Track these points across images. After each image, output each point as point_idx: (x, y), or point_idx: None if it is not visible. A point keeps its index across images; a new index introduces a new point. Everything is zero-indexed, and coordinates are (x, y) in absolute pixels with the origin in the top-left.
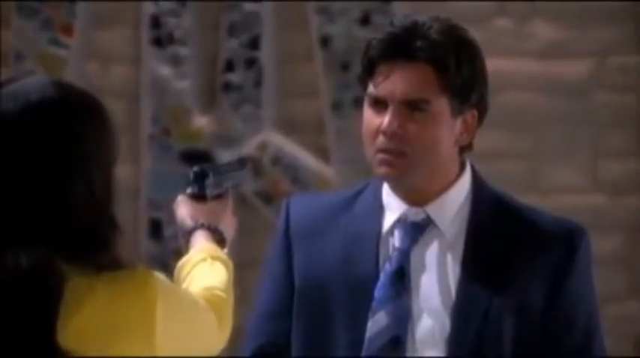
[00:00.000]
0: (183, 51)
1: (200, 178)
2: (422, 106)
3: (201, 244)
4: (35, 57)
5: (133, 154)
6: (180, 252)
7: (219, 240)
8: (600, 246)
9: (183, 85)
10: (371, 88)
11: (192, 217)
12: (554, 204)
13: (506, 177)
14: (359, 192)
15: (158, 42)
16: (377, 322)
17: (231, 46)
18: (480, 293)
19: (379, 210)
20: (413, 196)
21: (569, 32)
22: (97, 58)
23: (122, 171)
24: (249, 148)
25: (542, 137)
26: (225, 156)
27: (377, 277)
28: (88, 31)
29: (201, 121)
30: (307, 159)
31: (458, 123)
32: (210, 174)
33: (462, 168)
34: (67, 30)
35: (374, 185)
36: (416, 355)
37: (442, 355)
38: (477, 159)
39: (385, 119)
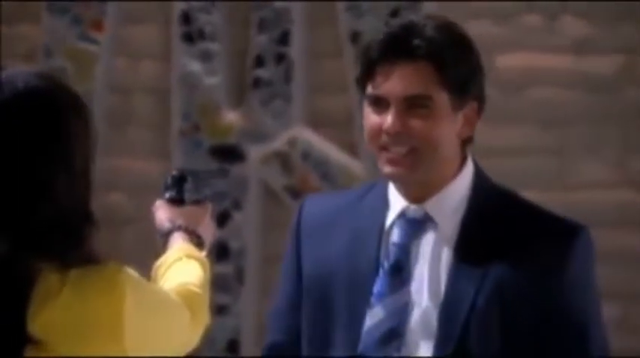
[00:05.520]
0: (213, 47)
1: (178, 182)
2: (423, 102)
3: (177, 245)
4: (65, 52)
5: (163, 150)
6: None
7: (198, 242)
8: (629, 241)
9: (214, 80)
10: (370, 89)
11: (170, 220)
12: (581, 200)
13: (534, 173)
14: (369, 189)
15: (188, 38)
16: (373, 316)
17: (261, 42)
18: (468, 287)
19: (384, 206)
20: (415, 193)
21: (598, 28)
22: (128, 54)
23: (152, 167)
24: (278, 143)
25: (570, 133)
26: (255, 151)
27: (376, 273)
28: (119, 27)
29: (231, 117)
30: (336, 154)
31: (459, 117)
32: (189, 179)
33: (464, 162)
34: (97, 25)
35: (383, 181)
36: (410, 348)
37: (433, 348)
38: (506, 155)
39: (388, 118)
